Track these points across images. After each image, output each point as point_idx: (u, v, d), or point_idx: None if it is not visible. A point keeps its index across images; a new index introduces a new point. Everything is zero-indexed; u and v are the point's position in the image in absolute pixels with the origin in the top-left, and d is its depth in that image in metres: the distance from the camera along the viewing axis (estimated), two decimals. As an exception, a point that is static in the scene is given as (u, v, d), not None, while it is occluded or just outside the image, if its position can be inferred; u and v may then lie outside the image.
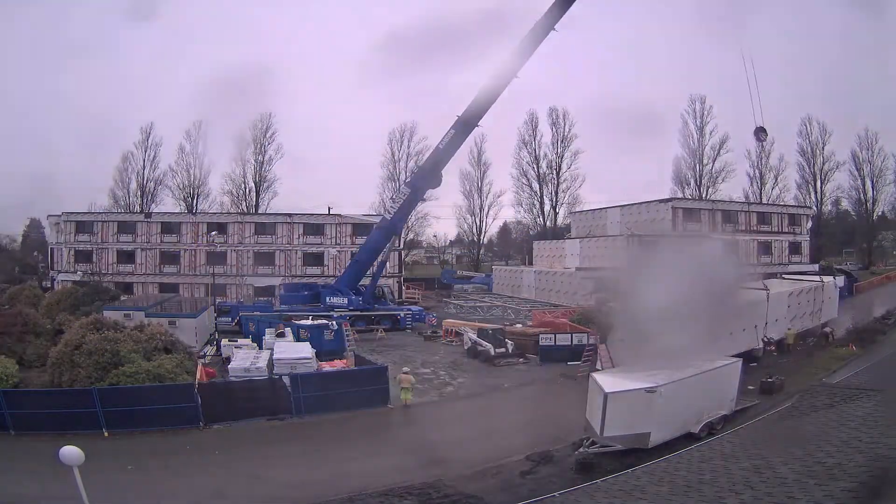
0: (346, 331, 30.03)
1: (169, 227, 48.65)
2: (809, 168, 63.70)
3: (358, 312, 37.26)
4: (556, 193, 65.75)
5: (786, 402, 14.06)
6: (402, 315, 38.22)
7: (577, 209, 60.63)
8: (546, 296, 45.88)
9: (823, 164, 63.40)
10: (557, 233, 62.27)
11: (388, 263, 48.73)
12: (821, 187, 63.92)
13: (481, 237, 70.18)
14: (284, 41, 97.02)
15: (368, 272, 39.13)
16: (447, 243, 68.77)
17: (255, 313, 35.86)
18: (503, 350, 28.87)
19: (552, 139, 65.33)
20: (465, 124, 33.18)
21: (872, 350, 25.43)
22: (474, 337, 30.24)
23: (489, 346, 29.01)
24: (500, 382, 25.22)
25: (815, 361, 25.41)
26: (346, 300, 37.76)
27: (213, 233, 44.56)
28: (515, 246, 73.08)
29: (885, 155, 62.08)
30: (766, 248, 47.90)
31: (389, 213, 37.42)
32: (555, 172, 65.32)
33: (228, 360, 25.31)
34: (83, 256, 47.45)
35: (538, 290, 47.67)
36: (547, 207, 66.36)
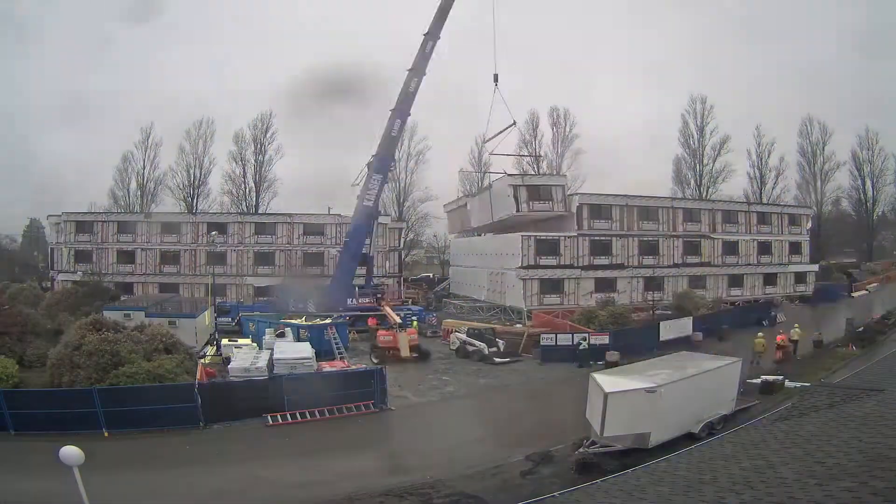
0: (333, 335, 29.49)
1: (169, 227, 48.59)
2: (810, 168, 63.73)
3: (358, 312, 37.29)
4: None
5: (786, 402, 14.04)
6: (402, 315, 38.22)
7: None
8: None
9: (824, 164, 63.45)
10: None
11: (387, 263, 48.73)
12: (821, 187, 63.95)
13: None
14: (283, 38, 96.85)
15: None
16: (447, 243, 68.48)
17: (254, 313, 35.86)
18: (495, 349, 28.90)
19: (553, 139, 65.29)
20: (401, 112, 37.31)
21: (872, 350, 25.42)
22: (463, 337, 30.36)
23: (482, 345, 29.07)
24: (503, 383, 25.23)
25: (816, 361, 25.45)
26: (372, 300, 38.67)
27: (213, 233, 44.57)
28: None
29: (885, 155, 62.18)
30: (766, 248, 47.92)
31: (368, 199, 37.86)
32: (555, 172, 65.22)
33: (228, 360, 25.32)
34: (83, 256, 47.41)
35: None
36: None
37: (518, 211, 41.53)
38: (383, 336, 30.06)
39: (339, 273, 39.82)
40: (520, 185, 42.36)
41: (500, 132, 40.32)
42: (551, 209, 42.02)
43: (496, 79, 38.13)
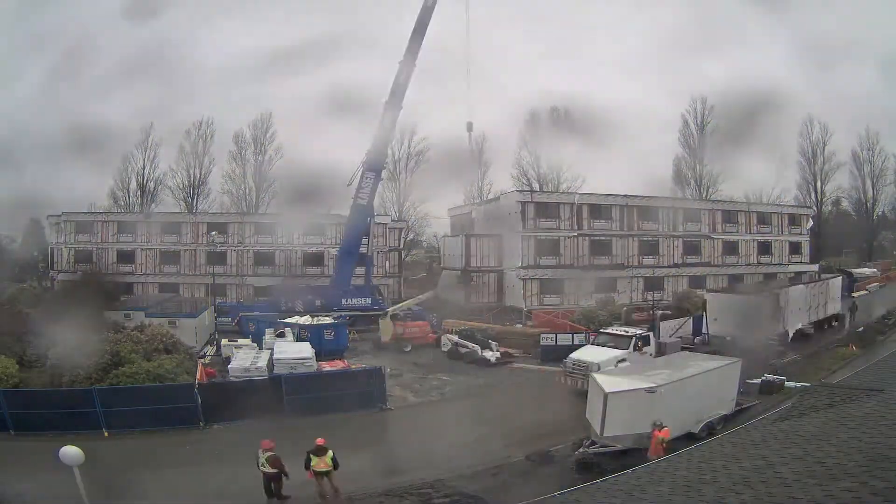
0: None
1: (169, 227, 48.60)
2: (810, 168, 63.69)
3: (359, 312, 37.30)
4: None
5: (786, 402, 14.05)
6: (402, 315, 38.18)
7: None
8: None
9: (824, 164, 63.41)
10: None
11: (387, 263, 48.60)
12: (821, 187, 63.92)
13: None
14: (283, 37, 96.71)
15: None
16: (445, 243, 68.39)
17: (254, 313, 35.84)
18: (489, 351, 28.20)
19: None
20: (392, 105, 36.36)
21: (872, 350, 25.42)
22: (455, 338, 29.59)
23: (475, 347, 28.48)
24: (503, 383, 25.22)
25: (816, 361, 25.45)
26: (369, 300, 38.43)
27: (213, 233, 44.54)
28: None
29: (885, 155, 62.14)
30: (766, 248, 47.91)
31: (362, 198, 37.75)
32: (556, 173, 65.10)
33: (228, 360, 25.32)
34: (83, 256, 47.45)
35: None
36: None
37: (524, 229, 41.32)
38: None
39: (335, 273, 39.83)
40: (528, 202, 42.31)
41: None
42: (558, 227, 42.03)
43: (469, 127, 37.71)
